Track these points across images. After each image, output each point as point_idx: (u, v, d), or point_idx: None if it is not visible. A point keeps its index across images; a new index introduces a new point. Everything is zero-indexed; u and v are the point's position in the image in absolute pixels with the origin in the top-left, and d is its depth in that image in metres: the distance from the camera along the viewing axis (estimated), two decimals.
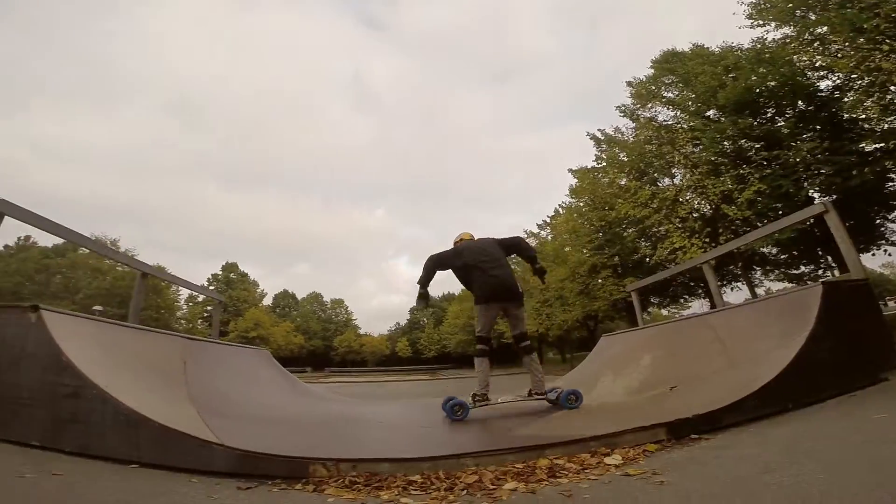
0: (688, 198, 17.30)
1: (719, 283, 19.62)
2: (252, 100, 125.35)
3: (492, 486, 2.11)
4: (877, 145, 13.13)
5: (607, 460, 2.33)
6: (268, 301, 64.78)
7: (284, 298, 69.91)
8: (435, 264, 4.44)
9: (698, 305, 24.06)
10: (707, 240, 15.95)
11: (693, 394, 3.26)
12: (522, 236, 4.61)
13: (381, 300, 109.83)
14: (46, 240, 42.19)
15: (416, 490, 2.15)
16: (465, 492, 2.08)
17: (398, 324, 76.23)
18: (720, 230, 16.15)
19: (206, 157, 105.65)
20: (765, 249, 17.72)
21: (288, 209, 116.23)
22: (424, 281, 4.39)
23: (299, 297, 71.22)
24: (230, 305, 52.13)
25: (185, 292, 46.33)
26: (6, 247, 41.12)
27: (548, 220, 32.68)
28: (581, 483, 2.04)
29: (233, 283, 56.96)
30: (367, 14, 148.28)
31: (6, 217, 3.34)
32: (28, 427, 2.70)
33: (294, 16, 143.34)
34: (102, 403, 2.61)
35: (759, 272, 19.96)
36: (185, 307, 50.24)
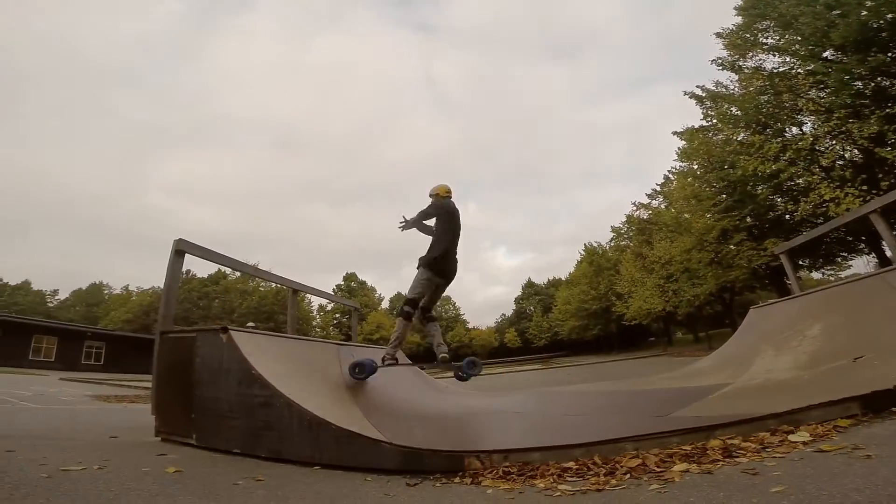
0: (828, 145, 15.01)
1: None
2: (345, 126, 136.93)
3: (658, 469, 2.04)
4: None
5: (792, 438, 2.14)
6: (385, 304, 69.17)
7: (399, 300, 74.03)
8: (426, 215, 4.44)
9: (862, 263, 20.34)
10: (864, 188, 13.75)
11: (888, 364, 2.78)
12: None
13: (484, 293, 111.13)
14: (202, 270, 50.27)
15: (572, 477, 2.15)
16: (628, 475, 2.03)
17: (504, 314, 76.28)
18: (880, 175, 14.02)
19: (314, 183, 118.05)
20: None
21: (390, 217, 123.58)
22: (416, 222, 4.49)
23: None
24: (360, 311, 56.91)
25: (315, 304, 51.51)
26: None
27: (658, 189, 30.14)
28: (765, 461, 1.90)
29: (354, 291, 61.85)
30: (414, 20, 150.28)
31: (186, 254, 3.97)
32: (230, 436, 3.09)
33: (354, 39, 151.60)
34: (289, 410, 2.91)
35: None
36: (318, 317, 55.89)
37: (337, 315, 53.87)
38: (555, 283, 66.15)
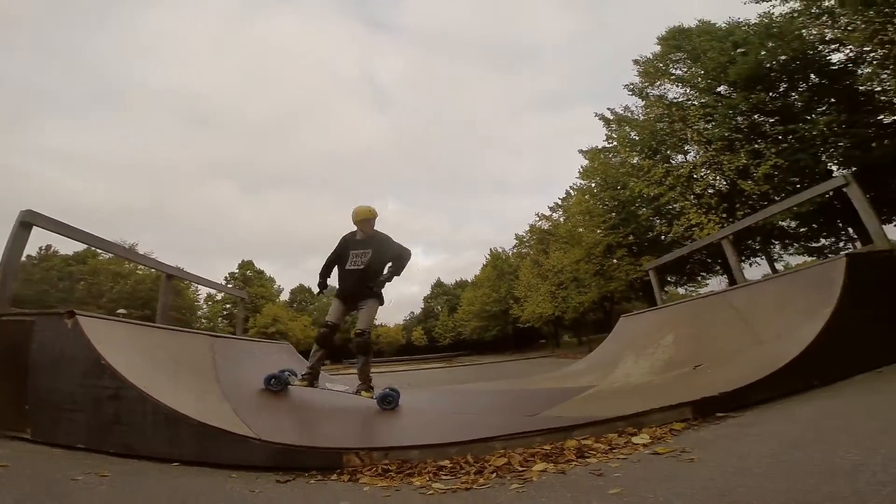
0: (702, 174, 17.12)
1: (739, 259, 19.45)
2: (268, 106, 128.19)
3: (521, 468, 2.15)
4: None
5: (635, 440, 2.35)
6: (285, 296, 65.69)
7: (301, 293, 70.72)
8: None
9: (716, 282, 23.74)
10: (724, 215, 15.81)
11: (718, 372, 3.26)
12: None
13: (396, 290, 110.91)
14: (67, 247, 43.31)
15: (446, 475, 2.20)
16: (494, 474, 2.12)
17: (412, 313, 76.78)
18: (737, 205, 16.03)
19: (226, 164, 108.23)
20: (784, 223, 17.46)
21: (303, 208, 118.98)
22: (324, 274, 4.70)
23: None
24: (249, 302, 53.11)
25: (203, 292, 47.28)
26: (29, 256, 42.33)
27: (559, 203, 32.38)
28: (610, 462, 2.07)
29: (250, 281, 57.75)
30: (370, 15, 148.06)
31: (34, 227, 3.44)
32: (73, 430, 2.78)
33: (300, 20, 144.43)
34: (143, 404, 2.68)
35: (777, 246, 19.65)
36: (204, 306, 51.24)
37: (227, 305, 49.83)
38: (462, 285, 67.90)
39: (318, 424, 3.44)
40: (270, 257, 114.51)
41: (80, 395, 2.83)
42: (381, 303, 4.58)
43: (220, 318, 50.89)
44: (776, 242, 19.39)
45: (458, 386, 7.34)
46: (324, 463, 2.43)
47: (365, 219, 4.43)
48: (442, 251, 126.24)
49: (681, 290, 28.18)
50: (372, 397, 4.21)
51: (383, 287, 4.47)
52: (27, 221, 3.37)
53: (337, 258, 4.52)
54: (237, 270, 59.48)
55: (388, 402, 4.10)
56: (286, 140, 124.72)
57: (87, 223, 3.73)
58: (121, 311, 27.47)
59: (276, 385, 4.04)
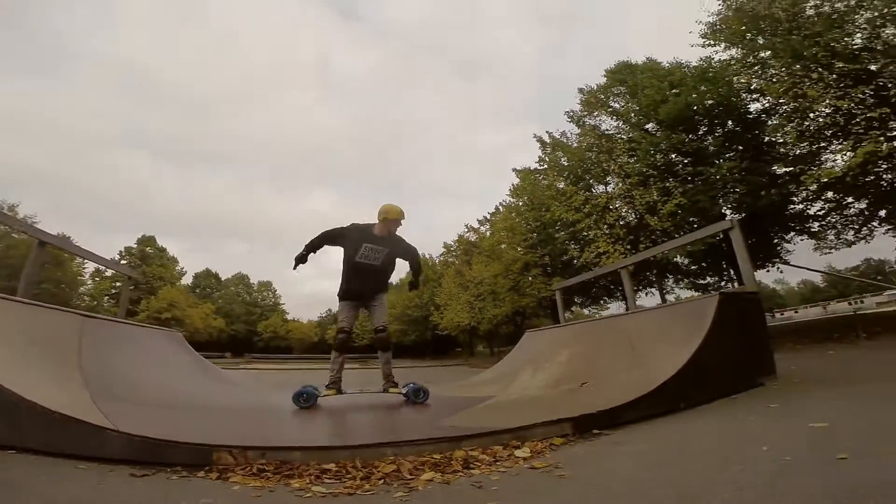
0: (617, 206, 18.18)
1: (636, 288, 21.25)
2: (216, 81, 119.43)
3: (409, 476, 2.13)
4: (787, 169, 14.34)
5: (517, 453, 2.42)
6: (187, 280, 60.54)
7: (206, 278, 65.69)
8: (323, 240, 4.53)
9: (616, 307, 25.70)
10: (629, 247, 16.89)
11: (600, 391, 3.49)
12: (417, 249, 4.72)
13: (314, 285, 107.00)
14: None
15: (329, 479, 2.12)
16: (382, 481, 2.08)
17: (330, 310, 74.45)
18: (641, 239, 17.21)
19: (145, 133, 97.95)
20: (678, 259, 19.16)
21: (230, 190, 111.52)
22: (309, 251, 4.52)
23: (224, 277, 67.19)
24: (143, 283, 48.01)
25: (90, 266, 42.16)
26: None
27: (488, 217, 33.33)
28: (492, 475, 2.11)
29: (148, 258, 52.48)
30: (341, 3, 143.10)
31: None
32: None
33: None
34: None
35: (671, 280, 21.64)
36: (90, 282, 45.64)
37: (117, 284, 44.78)
38: None
39: (192, 419, 3.18)
40: (179, 236, 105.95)
41: None
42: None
43: (105, 298, 45.57)
44: (670, 276, 21.36)
45: (358, 389, 7.15)
46: (191, 459, 2.26)
47: (396, 219, 4.34)
48: None
49: (586, 311, 30.19)
50: (401, 392, 4.21)
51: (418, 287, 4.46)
52: None
53: (344, 243, 4.30)
54: (135, 245, 53.76)
55: (420, 395, 4.15)
56: (229, 118, 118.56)
57: None
58: None
59: (307, 401, 3.95)
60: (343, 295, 4.36)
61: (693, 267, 20.10)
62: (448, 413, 3.54)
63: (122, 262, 47.27)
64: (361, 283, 4.28)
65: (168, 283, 52.04)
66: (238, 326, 60.54)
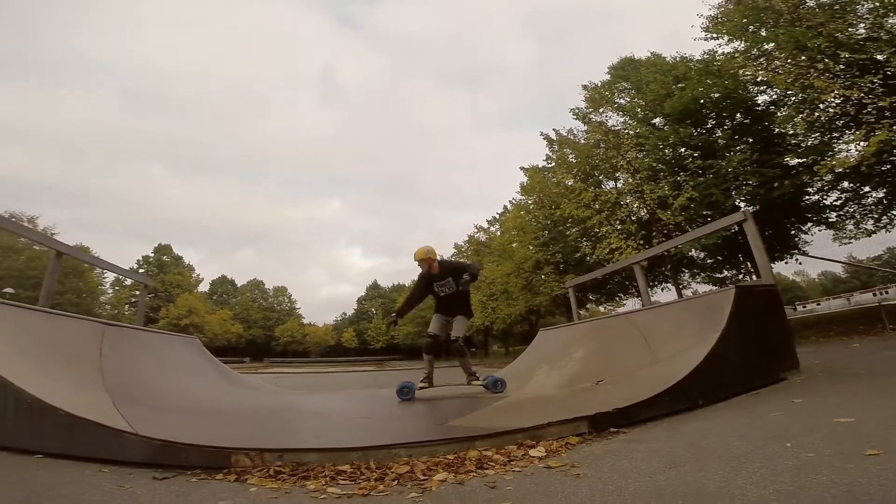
0: (627, 201, 18.04)
1: (651, 284, 20.97)
2: (219, 89, 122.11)
3: (423, 477, 2.12)
4: (799, 160, 14.09)
5: (532, 452, 2.39)
6: (204, 287, 61.53)
7: (223, 285, 66.66)
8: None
9: (632, 303, 25.38)
10: (641, 242, 16.72)
11: (616, 388, 3.44)
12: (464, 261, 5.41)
13: (329, 290, 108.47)
14: None
15: (344, 480, 2.12)
16: (395, 482, 2.08)
17: (345, 314, 75.10)
18: (653, 233, 16.98)
19: (154, 140, 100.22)
20: (693, 253, 18.89)
21: (241, 196, 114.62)
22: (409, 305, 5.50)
23: (239, 284, 68.15)
24: (162, 291, 48.96)
25: (110, 276, 43.09)
26: None
27: (497, 217, 33.22)
28: (506, 475, 2.09)
29: (165, 267, 53.48)
30: (344, 12, 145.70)
31: None
32: None
33: (265, 7, 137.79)
34: (3, 391, 2.42)
35: (686, 274, 21.32)
36: (110, 291, 46.64)
37: (136, 293, 45.74)
38: (398, 289, 67.50)
39: (210, 422, 3.22)
40: (195, 245, 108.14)
41: None
42: (472, 317, 5.51)
43: (126, 306, 46.52)
44: (686, 271, 21.04)
45: (374, 390, 7.23)
46: (209, 462, 2.28)
47: (419, 261, 5.20)
48: (382, 254, 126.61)
49: (601, 308, 29.88)
50: (482, 384, 4.86)
51: (468, 286, 5.09)
52: None
53: (421, 295, 5.37)
54: (152, 255, 54.77)
55: (498, 385, 4.65)
56: (232, 127, 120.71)
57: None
58: (8, 290, 24.18)
59: (407, 394, 4.70)
60: (436, 310, 5.31)
61: (709, 260, 19.76)
62: (462, 413, 3.53)
63: (140, 270, 48.25)
64: (448, 306, 5.23)
65: (185, 291, 52.99)
66: (256, 331, 61.35)
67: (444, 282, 5.23)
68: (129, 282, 44.91)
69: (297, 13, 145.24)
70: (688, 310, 4.15)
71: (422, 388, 5.05)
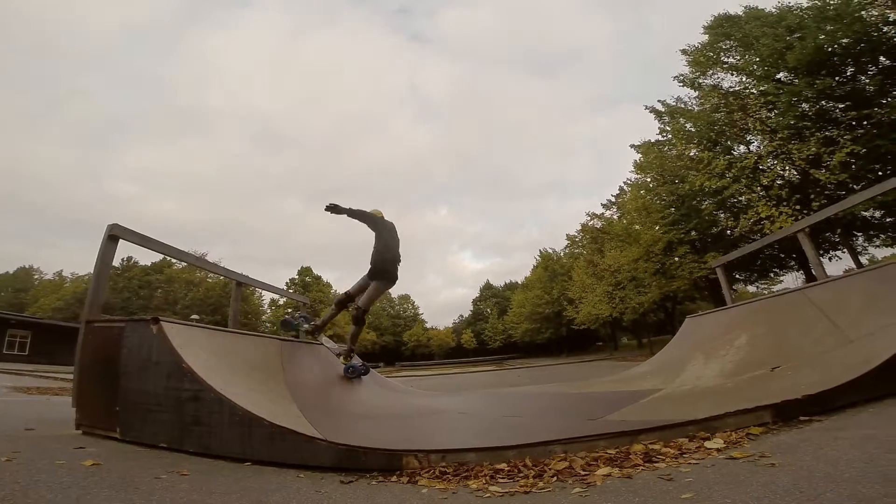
0: (769, 165, 15.93)
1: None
2: (325, 122, 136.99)
3: (583, 472, 2.09)
4: None
5: (708, 444, 2.23)
6: None
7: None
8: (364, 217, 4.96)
9: (791, 279, 21.96)
10: (797, 207, 14.66)
11: (800, 374, 3.00)
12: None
13: (446, 294, 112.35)
14: (146, 258, 47.75)
15: (503, 478, 2.17)
16: (555, 478, 2.07)
17: (461, 316, 77.05)
18: (812, 196, 14.86)
19: (288, 179, 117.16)
20: (867, 213, 15.87)
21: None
22: (350, 213, 4.82)
23: None
24: (311, 307, 55.42)
25: (267, 298, 49.90)
26: (113, 267, 46.86)
27: (612, 200, 31.25)
28: (681, 467, 1.98)
29: (309, 286, 60.31)
30: (412, 30, 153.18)
31: (120, 240, 3.77)
32: (157, 430, 2.97)
33: (343, 41, 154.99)
34: (220, 405, 2.81)
35: (861, 238, 17.85)
36: (268, 311, 54.11)
37: (289, 310, 52.48)
38: (511, 287, 67.38)
39: (378, 426, 3.51)
40: (330, 265, 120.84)
41: (163, 397, 3.00)
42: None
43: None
44: (859, 234, 17.65)
45: (511, 389, 7.26)
46: (384, 465, 2.45)
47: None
48: (493, 254, 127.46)
49: (751, 289, 26.31)
50: (344, 363, 4.98)
51: None
52: (114, 235, 3.68)
53: (374, 225, 4.95)
54: (297, 276, 62.37)
55: (352, 371, 4.88)
56: (342, 153, 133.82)
57: (165, 236, 4.11)
58: (194, 316, 29.62)
59: (354, 374, 4.99)
60: (381, 275, 4.88)
61: (889, 219, 16.26)
62: (608, 409, 3.38)
63: (290, 290, 55.28)
64: (395, 266, 4.98)
65: (327, 306, 59.27)
66: (387, 338, 66.08)
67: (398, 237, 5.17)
68: (281, 301, 51.77)
69: (374, 41, 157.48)
70: (882, 279, 3.44)
71: (343, 362, 5.06)
